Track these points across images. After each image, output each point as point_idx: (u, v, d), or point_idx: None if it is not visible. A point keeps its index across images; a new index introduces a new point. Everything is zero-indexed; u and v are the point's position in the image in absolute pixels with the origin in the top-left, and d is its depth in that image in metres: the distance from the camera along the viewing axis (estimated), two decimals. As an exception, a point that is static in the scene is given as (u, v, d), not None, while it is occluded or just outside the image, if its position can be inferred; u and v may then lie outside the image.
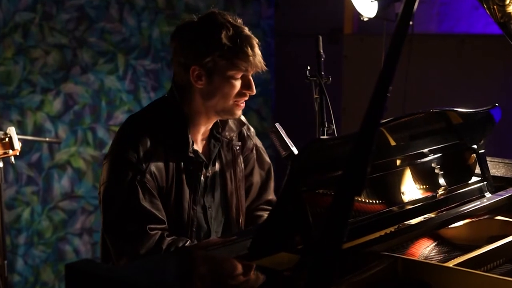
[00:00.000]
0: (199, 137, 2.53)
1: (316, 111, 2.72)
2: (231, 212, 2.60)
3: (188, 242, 2.37)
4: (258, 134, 2.74)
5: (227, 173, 2.58)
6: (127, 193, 2.36)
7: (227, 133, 2.57)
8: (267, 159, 2.74)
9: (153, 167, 2.38)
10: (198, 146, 2.52)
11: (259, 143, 2.73)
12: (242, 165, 2.63)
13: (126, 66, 5.05)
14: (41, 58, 4.70)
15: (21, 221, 4.72)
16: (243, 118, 2.64)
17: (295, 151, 2.38)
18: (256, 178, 2.68)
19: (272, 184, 2.73)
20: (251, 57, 2.38)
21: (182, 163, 2.45)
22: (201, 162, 2.49)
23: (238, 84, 2.42)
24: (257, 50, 2.42)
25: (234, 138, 2.60)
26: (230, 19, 2.43)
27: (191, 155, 2.46)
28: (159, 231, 2.36)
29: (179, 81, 2.48)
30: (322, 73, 2.73)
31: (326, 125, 2.70)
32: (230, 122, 2.59)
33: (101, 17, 4.91)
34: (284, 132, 2.42)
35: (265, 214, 2.67)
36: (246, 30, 2.43)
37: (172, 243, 2.34)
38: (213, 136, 2.55)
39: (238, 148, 2.61)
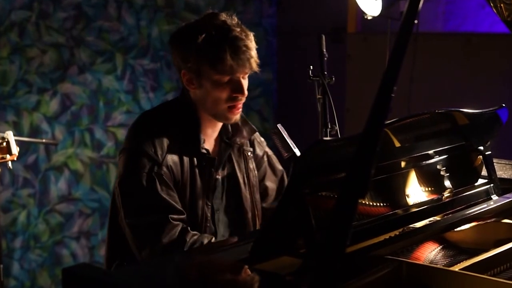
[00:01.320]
0: (208, 138, 2.56)
1: (319, 111, 2.72)
2: (247, 217, 2.63)
3: (212, 239, 2.41)
4: (259, 135, 2.75)
5: (239, 178, 2.62)
6: (145, 183, 2.40)
7: (237, 139, 2.61)
8: (279, 166, 2.79)
9: (169, 160, 2.43)
10: (208, 146, 2.55)
11: (270, 151, 2.78)
12: (256, 171, 2.68)
13: (125, 66, 5.06)
14: (38, 57, 4.70)
15: (17, 225, 4.72)
16: (254, 127, 2.67)
17: (298, 153, 2.38)
18: (271, 183, 2.74)
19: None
20: (229, 61, 2.38)
21: (195, 158, 2.49)
22: (213, 159, 2.53)
23: (227, 87, 2.44)
24: (246, 52, 2.41)
25: (244, 144, 2.64)
26: (221, 21, 2.43)
27: (204, 151, 2.50)
28: (180, 222, 2.39)
29: (182, 83, 2.54)
30: (325, 72, 2.73)
31: (329, 126, 2.70)
32: (241, 128, 2.62)
33: (99, 15, 4.92)
34: (286, 133, 2.43)
35: None
36: (236, 31, 2.42)
37: (197, 239, 2.38)
38: (223, 141, 2.60)
39: (250, 153, 2.65)
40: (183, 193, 2.47)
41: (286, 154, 2.40)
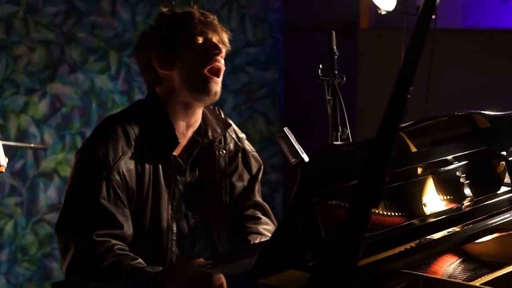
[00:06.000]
0: (182, 141, 2.58)
1: (328, 114, 2.73)
2: (216, 219, 2.63)
3: (137, 261, 2.35)
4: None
5: (209, 178, 2.63)
6: (87, 189, 2.41)
7: (209, 134, 2.63)
8: (256, 163, 2.78)
9: (123, 166, 2.44)
10: (176, 151, 2.57)
11: (249, 147, 2.78)
12: (226, 169, 2.67)
13: (119, 65, 5.07)
14: (25, 55, 4.71)
15: (3, 236, 4.73)
16: (230, 121, 2.73)
17: (306, 158, 2.38)
18: (239, 182, 2.72)
19: (258, 187, 2.77)
20: (197, 21, 2.55)
21: (160, 166, 2.51)
22: (180, 166, 2.55)
23: (201, 50, 2.53)
24: (214, 19, 2.61)
25: (216, 140, 2.65)
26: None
27: (171, 157, 2.53)
28: (110, 239, 2.36)
29: (152, 84, 2.60)
30: (336, 72, 2.73)
31: (340, 130, 2.71)
32: (214, 123, 2.65)
33: (91, 10, 4.93)
34: (293, 137, 2.43)
35: (253, 214, 2.71)
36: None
37: (116, 261, 2.33)
38: (192, 139, 2.61)
39: (221, 151, 2.66)
40: (144, 204, 2.48)
41: (294, 160, 2.41)
